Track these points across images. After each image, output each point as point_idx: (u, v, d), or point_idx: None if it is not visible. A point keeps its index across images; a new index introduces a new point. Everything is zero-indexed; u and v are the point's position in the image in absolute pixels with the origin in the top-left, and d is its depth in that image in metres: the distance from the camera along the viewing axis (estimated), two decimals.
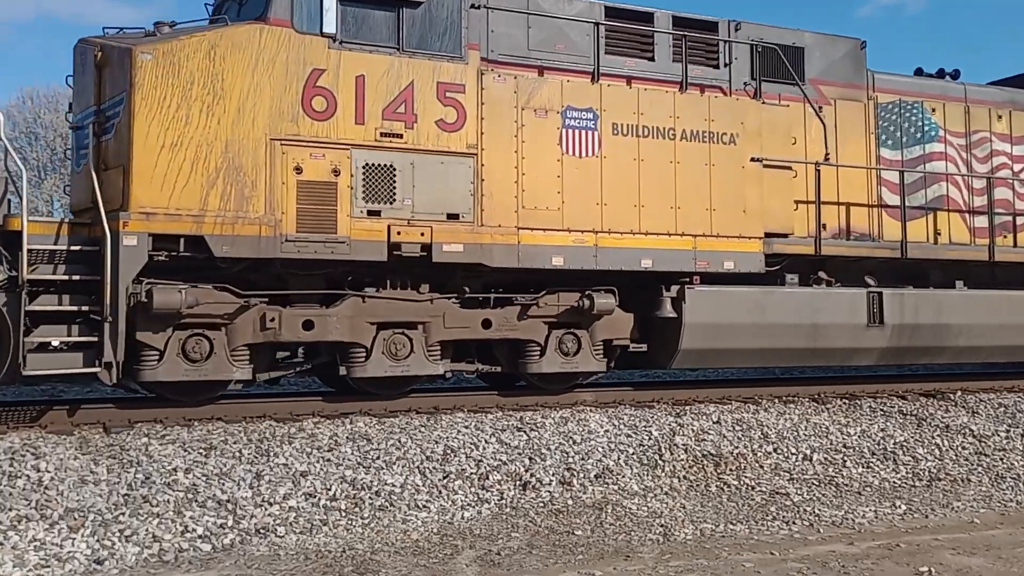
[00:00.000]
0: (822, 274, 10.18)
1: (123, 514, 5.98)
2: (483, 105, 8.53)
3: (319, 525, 6.27)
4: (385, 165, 8.19)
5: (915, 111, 11.28)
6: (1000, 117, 11.84)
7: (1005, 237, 11.63)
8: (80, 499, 6.06)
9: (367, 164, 8.12)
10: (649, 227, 9.15)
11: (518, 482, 7.20)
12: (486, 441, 7.72)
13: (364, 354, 8.25)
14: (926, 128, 11.29)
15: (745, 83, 10.06)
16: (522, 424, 8.19)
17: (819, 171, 10.00)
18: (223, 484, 6.47)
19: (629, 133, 9.15)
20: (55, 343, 7.55)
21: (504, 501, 6.98)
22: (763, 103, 9.78)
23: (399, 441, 7.46)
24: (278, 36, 7.91)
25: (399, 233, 8.14)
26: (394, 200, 8.23)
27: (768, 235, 9.69)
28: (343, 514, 6.44)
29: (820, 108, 10.50)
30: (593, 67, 9.17)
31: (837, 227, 10.53)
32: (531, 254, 8.67)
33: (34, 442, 6.86)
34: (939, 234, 11.22)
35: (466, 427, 7.97)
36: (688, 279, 9.30)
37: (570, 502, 7.02)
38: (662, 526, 6.50)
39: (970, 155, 11.55)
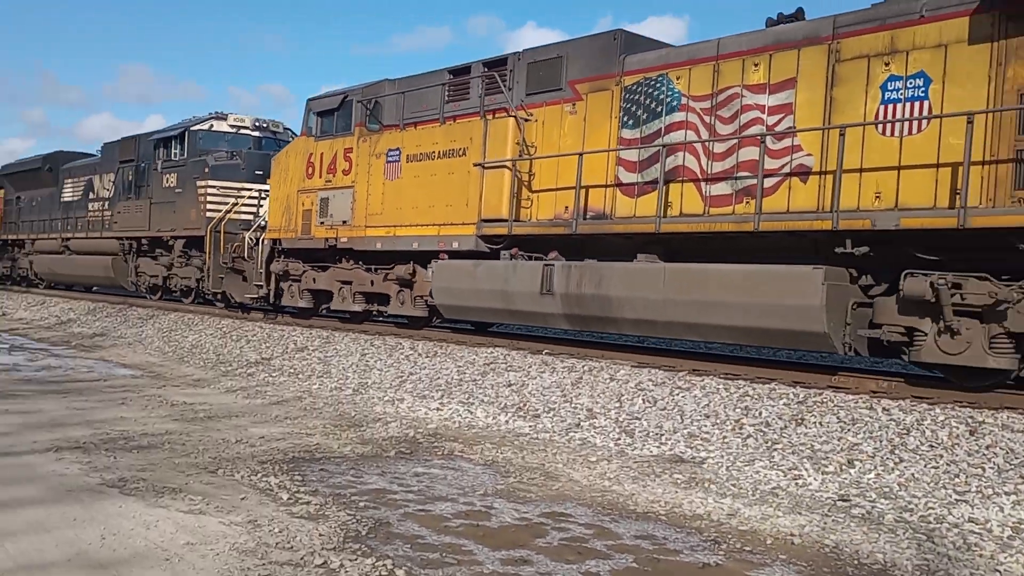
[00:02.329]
0: (515, 250, 11.59)
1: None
2: (358, 157, 14.68)
3: None
4: (326, 198, 15.41)
5: (659, 85, 10.84)
6: (756, 65, 9.87)
7: (747, 203, 9.64)
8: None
9: (321, 198, 15.51)
10: (417, 221, 13.47)
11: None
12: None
13: (339, 297, 15.56)
14: (667, 100, 10.75)
15: (522, 100, 12.42)
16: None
17: (514, 164, 12.01)
18: None
19: (414, 160, 13.61)
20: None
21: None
22: (487, 119, 12.21)
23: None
24: (303, 140, 16.14)
25: (329, 233, 15.34)
26: (328, 216, 15.28)
27: (485, 220, 12.11)
28: None
29: (574, 105, 11.71)
30: (440, 115, 13.70)
31: (579, 209, 11.46)
32: (369, 242, 14.47)
33: None
34: (670, 206, 10.43)
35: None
36: (439, 256, 12.90)
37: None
38: None
39: (714, 117, 10.11)
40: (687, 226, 10.23)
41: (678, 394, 9.17)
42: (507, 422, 9.33)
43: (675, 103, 10.75)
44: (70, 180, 26.53)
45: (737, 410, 8.46)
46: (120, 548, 4.92)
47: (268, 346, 14.65)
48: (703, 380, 9.44)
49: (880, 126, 8.81)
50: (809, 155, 9.37)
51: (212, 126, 20.09)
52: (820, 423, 7.85)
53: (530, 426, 9.11)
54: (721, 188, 10.19)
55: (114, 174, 23.43)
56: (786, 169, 9.59)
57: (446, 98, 13.62)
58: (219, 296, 18.95)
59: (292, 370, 12.81)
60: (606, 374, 10.08)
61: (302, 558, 4.86)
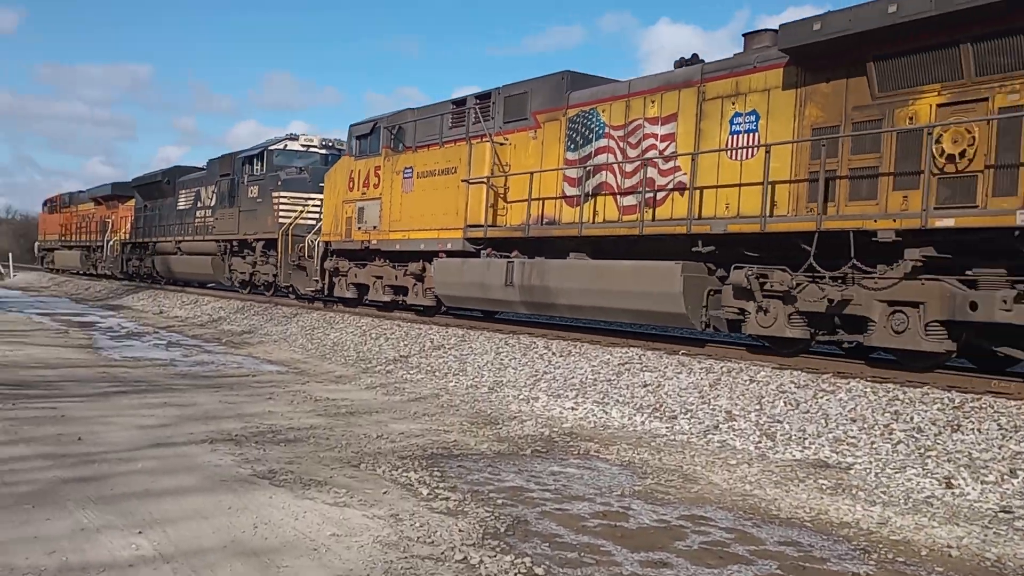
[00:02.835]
0: (490, 251, 14.43)
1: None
2: (384, 173, 17.84)
3: None
4: (362, 207, 18.62)
5: (591, 117, 13.50)
6: (653, 102, 12.38)
7: (646, 212, 12.11)
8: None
9: (358, 207, 18.74)
10: (424, 227, 16.54)
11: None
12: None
13: (374, 289, 18.76)
14: (596, 129, 13.38)
15: (500, 127, 15.24)
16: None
17: (490, 181, 14.95)
18: None
19: (422, 176, 16.64)
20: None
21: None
22: (471, 144, 15.07)
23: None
24: (346, 159, 19.52)
25: (364, 236, 18.58)
26: (364, 222, 18.47)
27: (471, 225, 15.00)
28: None
29: (535, 132, 14.45)
30: (440, 139, 16.70)
31: (537, 216, 14.18)
32: (391, 243, 17.71)
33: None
34: (597, 214, 13.02)
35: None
36: (438, 254, 15.87)
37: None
38: None
39: (626, 144, 12.65)
40: (601, 230, 12.97)
41: (822, 397, 8.92)
42: (643, 423, 9.31)
43: (601, 131, 13.46)
44: (183, 191, 30.91)
45: (886, 414, 8.20)
46: (271, 537, 5.06)
47: (406, 344, 15.01)
48: (849, 383, 9.14)
49: (729, 152, 11.34)
50: (685, 174, 11.91)
51: (286, 145, 23.80)
52: (978, 430, 7.52)
53: (667, 427, 9.07)
54: (630, 200, 12.83)
55: (215, 186, 27.63)
56: (671, 185, 12.19)
57: (449, 125, 16.67)
58: (290, 288, 22.65)
59: (429, 368, 13.19)
60: (745, 376, 9.90)
61: (443, 553, 4.93)
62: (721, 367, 10.39)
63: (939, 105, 9.09)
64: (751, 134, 11.08)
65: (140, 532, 5.04)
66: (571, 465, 7.41)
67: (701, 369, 10.47)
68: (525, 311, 14.77)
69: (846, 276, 9.73)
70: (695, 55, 12.81)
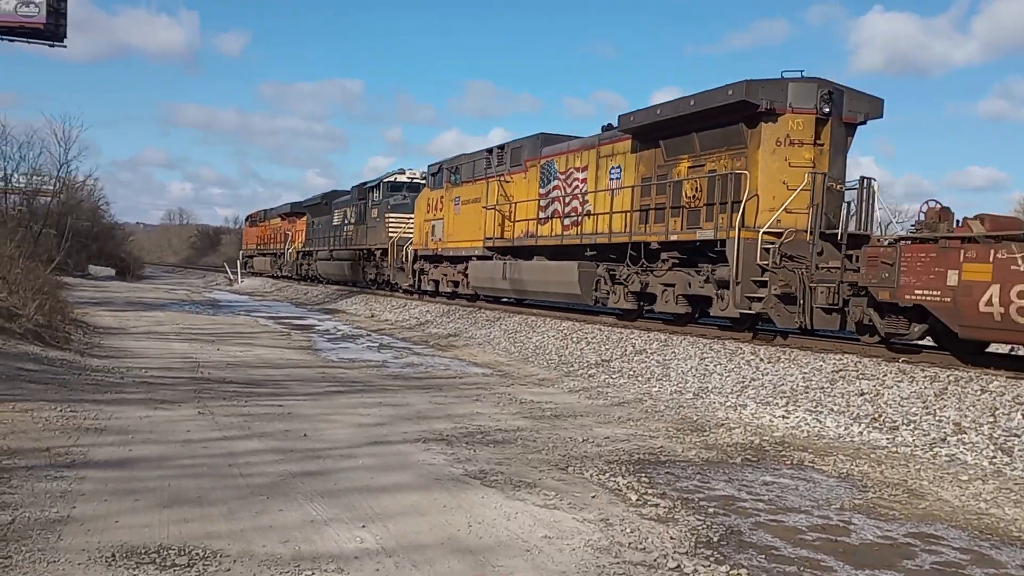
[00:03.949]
0: (496, 256, 21.26)
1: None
2: (444, 201, 25.35)
3: None
4: (433, 225, 26.24)
5: (551, 165, 20.30)
6: (578, 157, 18.94)
7: (572, 230, 18.59)
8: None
9: (432, 225, 26.36)
10: (464, 239, 23.91)
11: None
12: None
13: (442, 284, 26.24)
14: (552, 173, 20.07)
15: (508, 170, 22.09)
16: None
17: (497, 207, 22.03)
18: None
19: (462, 204, 24.04)
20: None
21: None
22: (488, 181, 22.06)
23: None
24: (425, 190, 27.49)
25: (434, 245, 26.28)
26: (434, 235, 25.95)
27: (487, 238, 21.98)
28: None
29: (525, 174, 21.23)
30: (472, 177, 23.85)
31: (524, 232, 20.99)
32: (447, 251, 25.31)
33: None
34: (552, 231, 19.61)
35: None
36: (472, 258, 22.99)
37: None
38: None
39: (566, 184, 19.18)
40: (545, 242, 19.87)
41: None
42: (860, 433, 8.86)
43: (554, 175, 20.25)
44: (336, 211, 39.76)
45: None
46: (485, 536, 5.09)
47: (607, 348, 14.85)
48: None
49: (608, 192, 17.76)
50: (591, 205, 18.47)
51: (396, 178, 32.03)
52: None
53: (887, 439, 8.59)
54: (568, 221, 19.52)
55: (354, 207, 36.18)
56: (584, 211, 18.76)
57: (482, 168, 23.84)
58: (395, 284, 30.65)
59: (631, 372, 12.91)
60: (976, 385, 9.34)
61: (655, 560, 4.83)
62: (947, 375, 9.85)
63: (688, 167, 15.42)
64: (617, 180, 17.57)
65: (363, 526, 5.12)
66: (784, 475, 7.16)
67: (925, 378, 9.91)
68: (514, 296, 21.91)
69: (647, 269, 16.13)
70: (609, 124, 19.27)
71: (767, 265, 12.94)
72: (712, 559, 4.93)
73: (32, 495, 5.35)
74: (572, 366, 14.20)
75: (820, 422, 9.40)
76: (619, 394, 11.58)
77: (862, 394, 9.83)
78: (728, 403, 10.59)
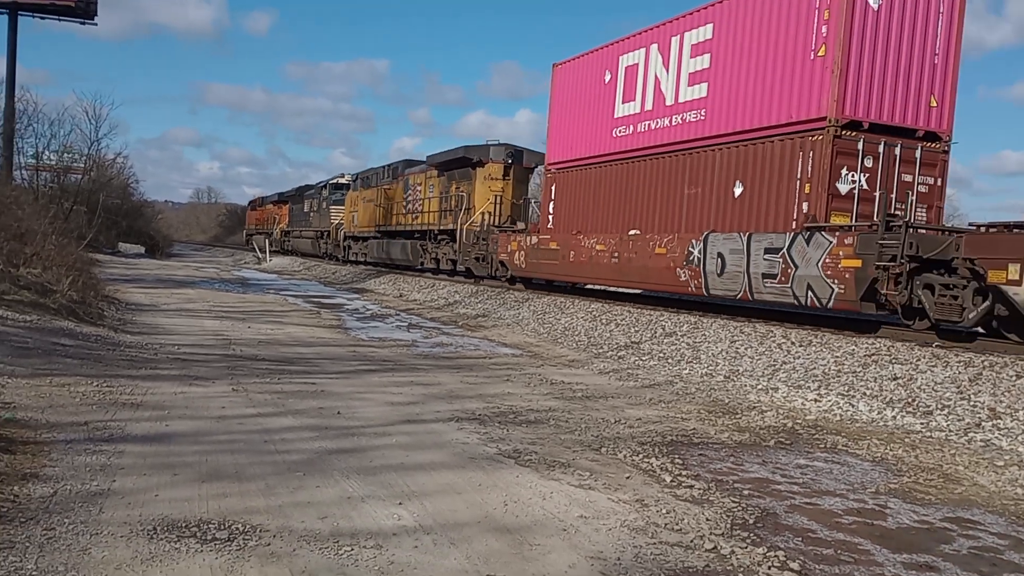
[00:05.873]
0: (385, 237, 31.37)
1: None
2: (358, 199, 35.99)
3: None
4: (353, 214, 35.92)
5: (409, 181, 28.86)
6: (419, 177, 27.77)
7: (412, 221, 27.36)
8: None
9: (352, 215, 35.74)
10: (365, 225, 33.25)
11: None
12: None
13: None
14: (409, 186, 28.78)
15: (391, 181, 31.05)
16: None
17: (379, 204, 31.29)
18: None
19: (365, 202, 34.52)
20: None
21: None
22: (379, 188, 32.73)
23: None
24: (351, 191, 38.29)
25: (353, 230, 34.77)
26: (353, 222, 35.07)
27: (377, 226, 32.50)
28: None
29: (399, 183, 30.16)
30: (377, 184, 33.33)
31: (394, 223, 30.19)
32: (361, 233, 35.43)
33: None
34: (406, 223, 29.16)
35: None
36: (370, 238, 32.62)
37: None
38: None
39: (414, 193, 27.77)
40: (403, 228, 28.35)
41: None
42: (894, 417, 8.33)
43: (410, 187, 28.24)
44: (307, 201, 46.60)
45: None
46: (521, 515, 4.91)
47: (636, 330, 13.84)
48: None
49: (428, 200, 25.83)
50: (421, 207, 26.59)
51: (338, 181, 39.55)
52: None
53: (921, 423, 8.06)
54: (412, 217, 27.73)
55: (315, 200, 43.67)
56: (419, 211, 26.80)
57: (378, 179, 34.35)
58: (334, 256, 39.16)
59: (661, 354, 12.23)
60: (1011, 370, 8.62)
61: (691, 541, 4.64)
62: (982, 360, 9.02)
63: (454, 188, 24.06)
64: (432, 193, 26.35)
65: (400, 503, 4.92)
66: (818, 459, 6.77)
67: (959, 363, 9.20)
68: (385, 262, 30.25)
69: (437, 245, 24.82)
70: (462, 148, 25.98)
71: (474, 241, 22.19)
72: (749, 541, 4.70)
73: (72, 468, 5.05)
74: (601, 347, 13.31)
75: (853, 406, 8.83)
76: (649, 376, 11.00)
77: (895, 379, 9.25)
78: (759, 386, 9.99)
